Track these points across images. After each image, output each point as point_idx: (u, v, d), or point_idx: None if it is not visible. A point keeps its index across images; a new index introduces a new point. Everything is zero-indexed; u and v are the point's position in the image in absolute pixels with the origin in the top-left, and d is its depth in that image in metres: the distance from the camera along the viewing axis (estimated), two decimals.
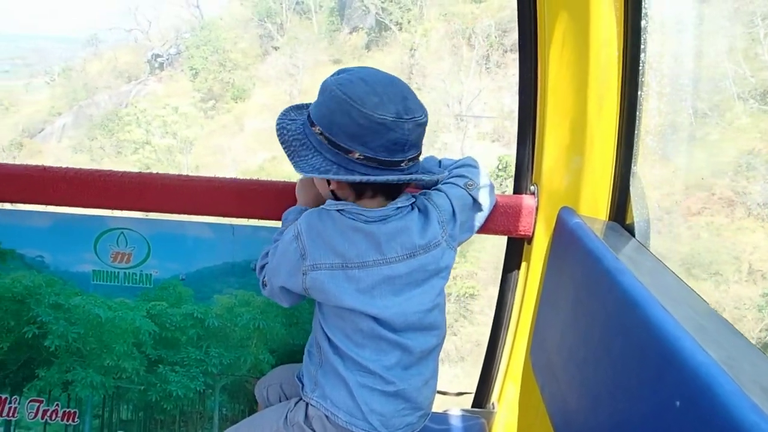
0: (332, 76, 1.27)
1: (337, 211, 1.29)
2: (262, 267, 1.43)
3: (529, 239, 1.66)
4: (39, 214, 1.75)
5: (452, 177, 1.48)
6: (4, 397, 1.83)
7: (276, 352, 1.81)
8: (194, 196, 1.64)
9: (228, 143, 27.30)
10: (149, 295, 1.77)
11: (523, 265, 1.71)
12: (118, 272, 1.75)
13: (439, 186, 1.43)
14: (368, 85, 1.23)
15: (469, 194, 1.45)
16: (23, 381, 1.83)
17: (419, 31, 26.96)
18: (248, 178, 1.67)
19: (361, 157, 1.22)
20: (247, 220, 1.70)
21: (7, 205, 1.72)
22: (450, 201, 1.39)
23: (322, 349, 1.37)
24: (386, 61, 26.99)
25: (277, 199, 1.60)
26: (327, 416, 1.34)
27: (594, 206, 1.48)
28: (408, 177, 1.25)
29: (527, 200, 1.63)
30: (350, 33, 29.44)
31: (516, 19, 1.56)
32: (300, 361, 1.72)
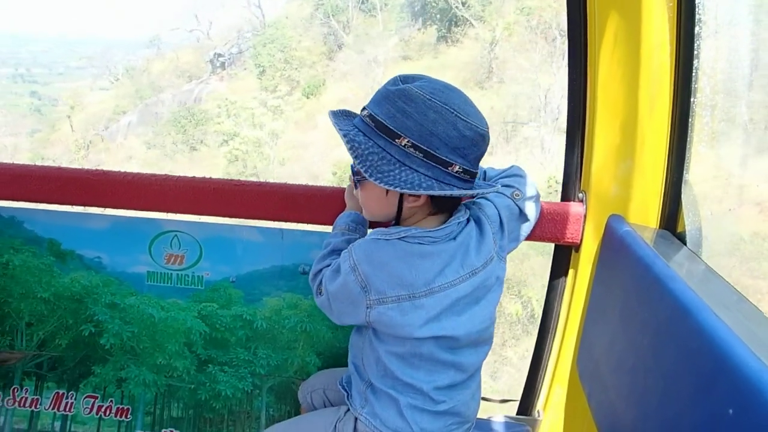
0: (403, 83, 1.18)
1: (399, 239, 1.23)
2: (316, 274, 1.39)
3: (577, 247, 1.65)
4: (98, 216, 1.82)
5: (501, 186, 1.47)
6: (61, 392, 1.90)
7: (322, 355, 1.83)
8: (245, 200, 1.68)
9: (304, 139, 27.44)
10: (200, 296, 1.82)
11: (571, 272, 1.70)
12: (171, 274, 1.81)
13: (486, 195, 1.40)
14: (456, 94, 1.18)
15: (516, 204, 1.43)
16: (80, 377, 1.90)
17: (500, 24, 26.39)
18: (298, 183, 1.71)
19: (460, 170, 1.17)
20: (296, 224, 1.73)
21: (68, 208, 1.79)
22: (498, 211, 1.38)
23: (373, 370, 1.34)
24: (461, 55, 26.48)
25: (326, 204, 1.63)
26: None
27: (644, 214, 1.46)
28: (485, 190, 1.22)
29: (575, 207, 1.62)
30: (420, 29, 29.21)
31: None
32: (344, 364, 1.74)
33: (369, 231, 1.32)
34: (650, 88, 1.37)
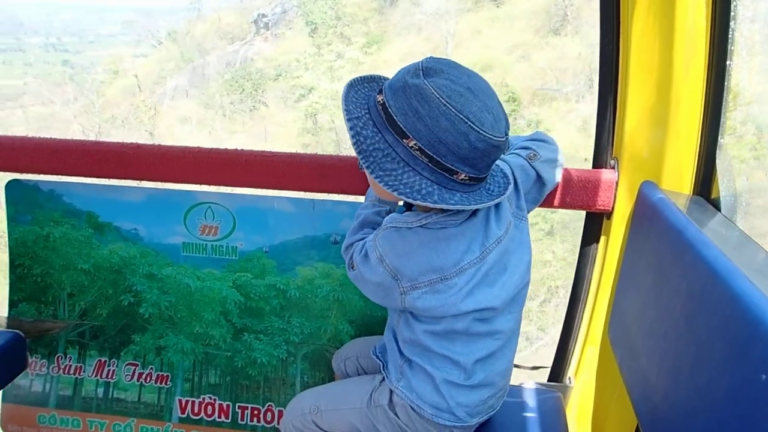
0: (425, 78, 1.10)
1: (421, 226, 1.22)
2: (348, 247, 1.39)
3: (609, 214, 1.64)
4: (134, 189, 1.86)
5: (518, 148, 1.46)
6: (103, 359, 1.97)
7: (354, 323, 1.86)
8: (277, 171, 1.70)
9: None
10: (235, 266, 1.85)
11: (602, 239, 1.69)
12: (206, 244, 1.85)
13: (502, 157, 1.37)
14: (478, 98, 1.10)
15: (531, 165, 1.42)
16: (120, 345, 1.96)
17: None
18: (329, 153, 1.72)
19: (466, 178, 1.13)
20: (327, 194, 1.75)
21: (105, 181, 1.83)
22: (512, 170, 1.35)
23: (409, 346, 1.34)
24: (528, 5, 25.49)
25: (356, 174, 1.64)
26: (412, 407, 1.33)
27: (677, 180, 1.44)
28: (495, 200, 1.17)
29: (607, 174, 1.60)
30: None
31: None
32: (377, 333, 1.77)
33: (387, 219, 1.29)
34: (685, 51, 1.34)
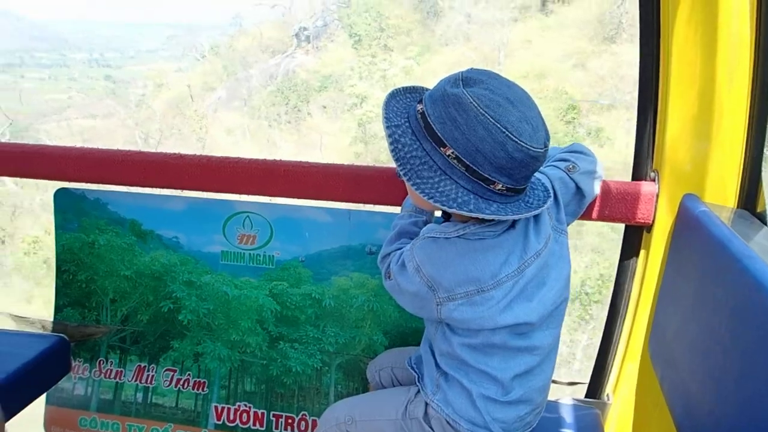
0: (464, 88, 1.10)
1: (459, 237, 1.21)
2: (385, 257, 1.39)
3: (649, 227, 1.61)
4: (176, 198, 1.91)
5: (556, 160, 1.44)
6: (143, 365, 2.01)
7: (389, 334, 1.86)
8: (314, 181, 1.72)
9: None
10: (271, 275, 1.87)
11: (642, 253, 1.66)
12: (244, 253, 1.87)
13: (540, 169, 1.33)
14: (517, 108, 1.10)
15: (570, 178, 1.40)
16: (160, 351, 2.00)
17: None
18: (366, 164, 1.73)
19: (503, 188, 1.12)
20: (363, 205, 1.76)
21: (148, 190, 1.88)
22: (551, 183, 1.34)
23: (446, 359, 1.33)
24: (578, 14, 25.12)
25: (392, 184, 1.65)
26: (447, 421, 1.32)
27: (721, 193, 1.41)
28: (533, 212, 1.16)
29: (647, 186, 1.57)
30: None
31: None
32: (411, 343, 1.76)
33: (424, 229, 1.29)
34: (728, 60, 1.31)
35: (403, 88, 1.24)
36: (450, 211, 1.14)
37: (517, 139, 1.08)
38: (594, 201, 1.55)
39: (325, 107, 27.92)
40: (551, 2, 26.44)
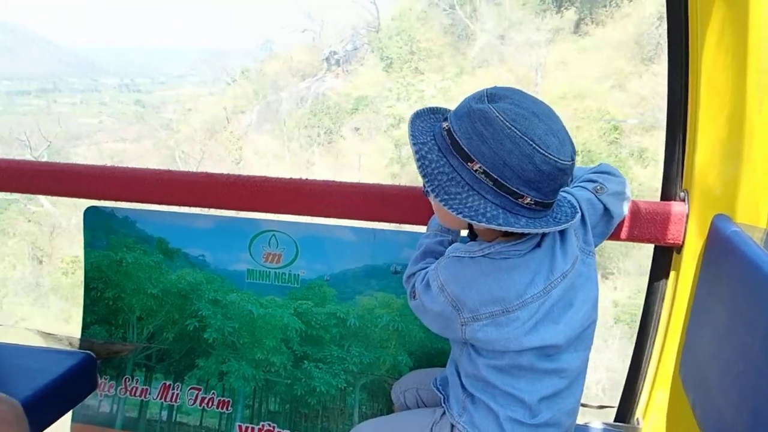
0: (489, 103, 1.11)
1: (484, 255, 1.20)
2: (410, 276, 1.38)
3: (679, 248, 1.58)
4: (203, 216, 1.93)
5: (582, 181, 1.43)
6: (168, 383, 2.01)
7: (414, 354, 1.85)
8: (339, 200, 1.72)
9: None
10: (296, 294, 1.88)
11: (672, 274, 1.63)
12: (270, 272, 1.88)
13: (567, 188, 1.35)
14: (543, 122, 1.10)
15: (598, 199, 1.38)
16: (185, 369, 2.00)
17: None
18: (390, 183, 1.74)
19: (531, 202, 1.11)
20: (388, 224, 1.76)
21: (175, 208, 1.90)
22: (579, 203, 1.32)
23: (472, 381, 1.31)
24: (614, 35, 25.00)
25: (417, 203, 1.64)
26: None
27: (753, 213, 1.38)
28: (561, 226, 1.16)
29: (677, 207, 1.55)
30: (558, 13, 28.20)
31: None
32: (437, 365, 1.75)
33: (449, 248, 1.28)
34: (759, 79, 1.29)
35: (427, 108, 1.25)
36: (479, 225, 1.13)
37: (544, 152, 1.08)
38: (623, 221, 1.53)
39: (358, 129, 28.15)
40: (584, 24, 26.42)
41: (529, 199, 1.11)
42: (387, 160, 24.99)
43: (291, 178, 1.78)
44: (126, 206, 1.96)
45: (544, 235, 1.22)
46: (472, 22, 30.18)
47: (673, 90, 1.52)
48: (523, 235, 1.20)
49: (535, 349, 1.22)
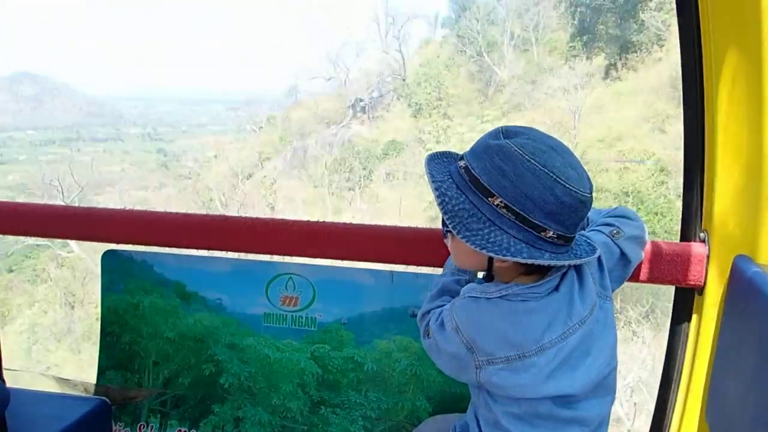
0: (505, 138, 1.13)
1: (501, 297, 1.19)
2: (425, 314, 1.37)
3: (700, 290, 1.56)
4: (220, 259, 1.93)
5: (598, 225, 1.42)
6: (183, 430, 1.99)
7: (433, 400, 1.82)
8: (356, 243, 1.73)
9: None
10: (313, 337, 1.87)
11: (694, 317, 1.61)
12: (287, 315, 1.87)
13: (583, 233, 1.33)
14: (561, 155, 1.11)
15: (615, 243, 1.37)
16: (200, 416, 1.98)
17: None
18: (408, 225, 1.74)
19: (554, 235, 1.11)
20: (406, 266, 1.75)
21: (193, 251, 1.91)
22: None
23: (490, 429, 1.28)
24: (649, 79, 25.39)
25: (435, 245, 1.64)
26: None
27: None
28: (585, 259, 1.16)
29: (697, 248, 1.54)
30: (588, 58, 28.42)
31: None
32: (456, 410, 1.72)
33: (465, 288, 1.27)
34: None
35: (439, 152, 1.26)
36: (503, 259, 1.13)
37: (565, 183, 1.09)
38: (643, 262, 1.52)
39: (389, 174, 28.39)
40: (615, 69, 26.67)
41: (551, 232, 1.11)
42: (426, 204, 25.07)
43: (308, 221, 1.79)
44: (143, 249, 1.97)
45: (562, 278, 1.21)
46: (499, 68, 30.68)
47: (689, 132, 1.53)
48: (541, 277, 1.20)
49: (552, 398, 1.20)
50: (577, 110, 25.32)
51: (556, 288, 1.20)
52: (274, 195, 28.42)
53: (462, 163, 1.17)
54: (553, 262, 1.12)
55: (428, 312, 1.36)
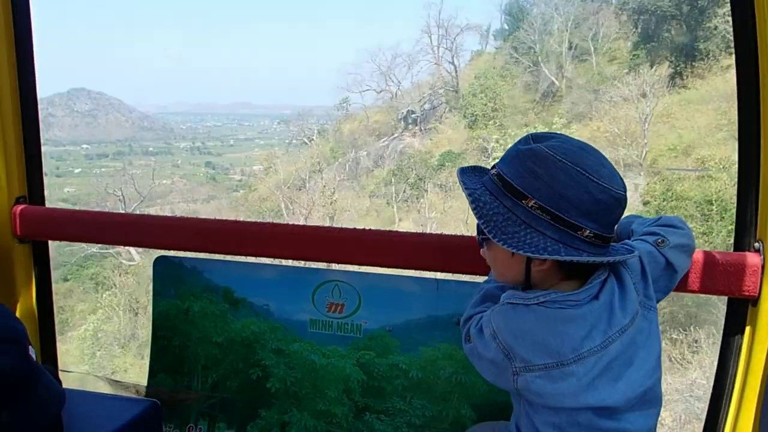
0: (535, 143, 1.15)
1: (539, 304, 1.18)
2: (467, 319, 1.37)
3: (755, 300, 1.53)
4: (268, 266, 1.97)
5: (644, 234, 1.40)
6: None
7: (478, 408, 1.82)
8: (403, 250, 1.74)
9: None
10: (359, 344, 1.88)
11: (748, 329, 1.57)
12: (332, 322, 1.89)
13: (627, 242, 1.32)
14: (591, 155, 1.13)
15: (660, 252, 1.34)
16: (247, 420, 2.01)
17: None
18: (453, 233, 1.74)
19: (591, 234, 1.12)
20: (451, 274, 1.76)
21: (241, 258, 1.95)
22: (639, 258, 1.29)
23: None
24: (717, 86, 24.77)
25: (480, 254, 1.64)
26: None
27: None
28: (625, 257, 1.17)
29: (751, 258, 1.51)
30: (652, 67, 27.92)
31: None
32: (501, 418, 1.71)
33: (504, 294, 1.26)
34: None
35: (470, 166, 1.29)
36: (540, 257, 1.13)
37: (598, 181, 1.10)
38: (696, 272, 1.49)
39: (442, 186, 28.41)
40: (680, 77, 26.09)
41: (588, 231, 1.12)
42: None
43: (354, 228, 1.81)
44: (194, 256, 2.02)
45: (602, 286, 1.20)
46: (557, 78, 30.38)
47: (743, 142, 1.51)
48: (581, 284, 1.20)
49: (593, 409, 1.18)
50: (646, 118, 24.92)
51: (596, 296, 1.20)
52: (332, 205, 28.68)
53: (494, 171, 1.20)
54: (591, 260, 1.12)
55: (470, 318, 1.36)
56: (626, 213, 1.27)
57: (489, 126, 30.07)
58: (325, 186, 30.15)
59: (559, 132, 1.20)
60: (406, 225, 26.43)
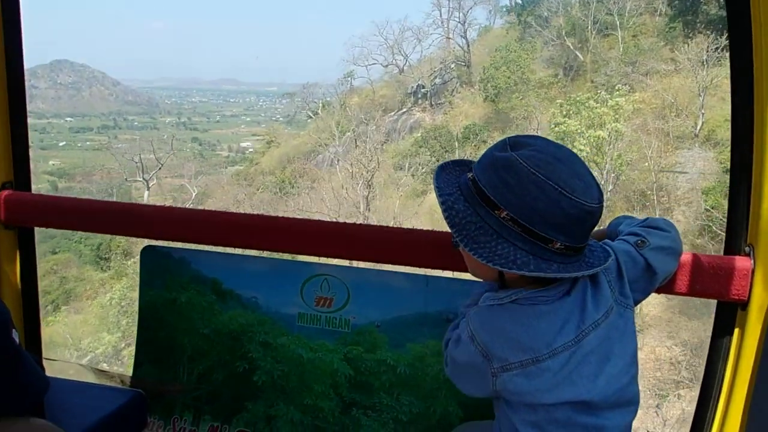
0: (512, 151, 1.15)
1: (512, 302, 1.20)
2: (447, 342, 1.36)
3: (744, 304, 1.53)
4: (256, 258, 1.95)
5: (626, 234, 1.40)
6: (216, 425, 2.01)
7: (465, 405, 1.81)
8: (392, 246, 1.73)
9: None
10: (347, 339, 1.87)
11: (736, 332, 1.57)
12: (320, 316, 1.88)
13: (607, 242, 1.33)
14: (566, 165, 1.12)
15: (639, 253, 1.34)
16: (233, 412, 2.00)
17: None
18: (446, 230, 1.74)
19: (562, 247, 1.13)
20: (441, 271, 1.75)
21: (230, 249, 1.93)
22: (616, 257, 1.29)
23: None
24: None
25: None
26: None
27: None
28: (594, 270, 1.16)
29: (741, 261, 1.51)
30: (685, 41, 27.42)
31: None
32: (488, 417, 1.70)
33: (481, 298, 1.28)
34: None
35: (452, 161, 1.30)
36: (509, 272, 1.14)
37: (570, 195, 1.10)
38: (685, 275, 1.49)
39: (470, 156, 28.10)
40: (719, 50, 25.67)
41: (559, 244, 1.12)
42: None
43: (345, 222, 1.80)
44: (182, 246, 2.00)
45: (574, 282, 1.22)
46: (581, 53, 29.99)
47: (736, 146, 1.51)
48: (551, 281, 1.20)
49: (570, 404, 1.20)
50: (702, 90, 24.63)
51: (568, 292, 1.21)
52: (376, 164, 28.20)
53: (470, 175, 1.20)
54: (559, 275, 1.13)
55: (449, 340, 1.35)
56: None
57: (513, 99, 29.68)
58: (364, 151, 29.47)
59: (532, 135, 1.20)
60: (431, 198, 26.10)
